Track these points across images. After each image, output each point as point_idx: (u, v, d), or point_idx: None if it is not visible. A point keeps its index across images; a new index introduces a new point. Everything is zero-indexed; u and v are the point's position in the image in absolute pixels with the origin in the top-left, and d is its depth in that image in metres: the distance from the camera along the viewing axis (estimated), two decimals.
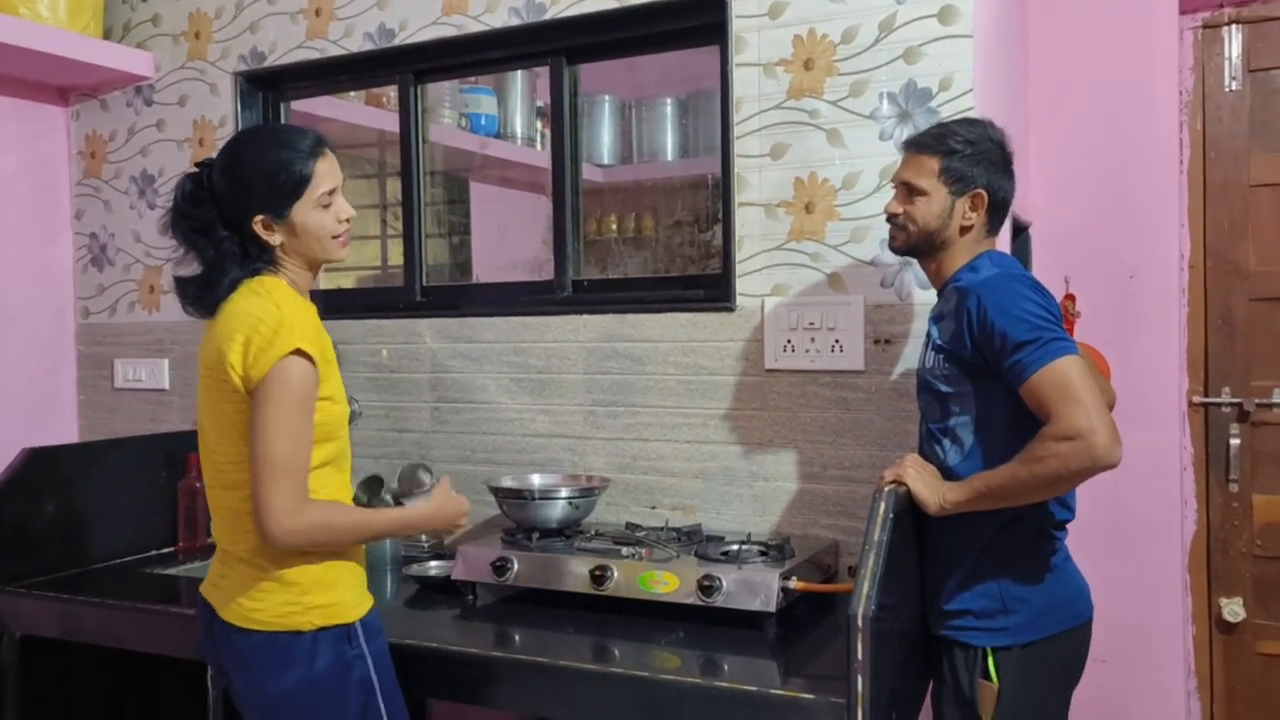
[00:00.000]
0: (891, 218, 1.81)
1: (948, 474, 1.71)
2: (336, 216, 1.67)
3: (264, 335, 1.54)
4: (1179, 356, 2.56)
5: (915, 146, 1.79)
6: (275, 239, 1.63)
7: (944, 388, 1.73)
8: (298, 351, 1.54)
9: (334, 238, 1.67)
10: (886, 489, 1.65)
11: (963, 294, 1.70)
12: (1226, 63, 2.53)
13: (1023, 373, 1.58)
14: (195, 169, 1.69)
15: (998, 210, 1.78)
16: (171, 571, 2.50)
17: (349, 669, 1.63)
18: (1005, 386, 1.63)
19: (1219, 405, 2.55)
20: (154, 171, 3.02)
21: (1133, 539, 2.52)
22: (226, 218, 1.63)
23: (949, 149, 1.74)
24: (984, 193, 1.75)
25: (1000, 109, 2.29)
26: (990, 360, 1.64)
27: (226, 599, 1.65)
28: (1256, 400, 2.51)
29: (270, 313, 1.57)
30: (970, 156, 1.74)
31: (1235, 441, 2.52)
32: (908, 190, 1.77)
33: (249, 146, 1.67)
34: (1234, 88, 2.53)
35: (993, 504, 1.64)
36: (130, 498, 2.60)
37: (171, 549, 2.67)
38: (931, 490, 1.68)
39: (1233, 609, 2.54)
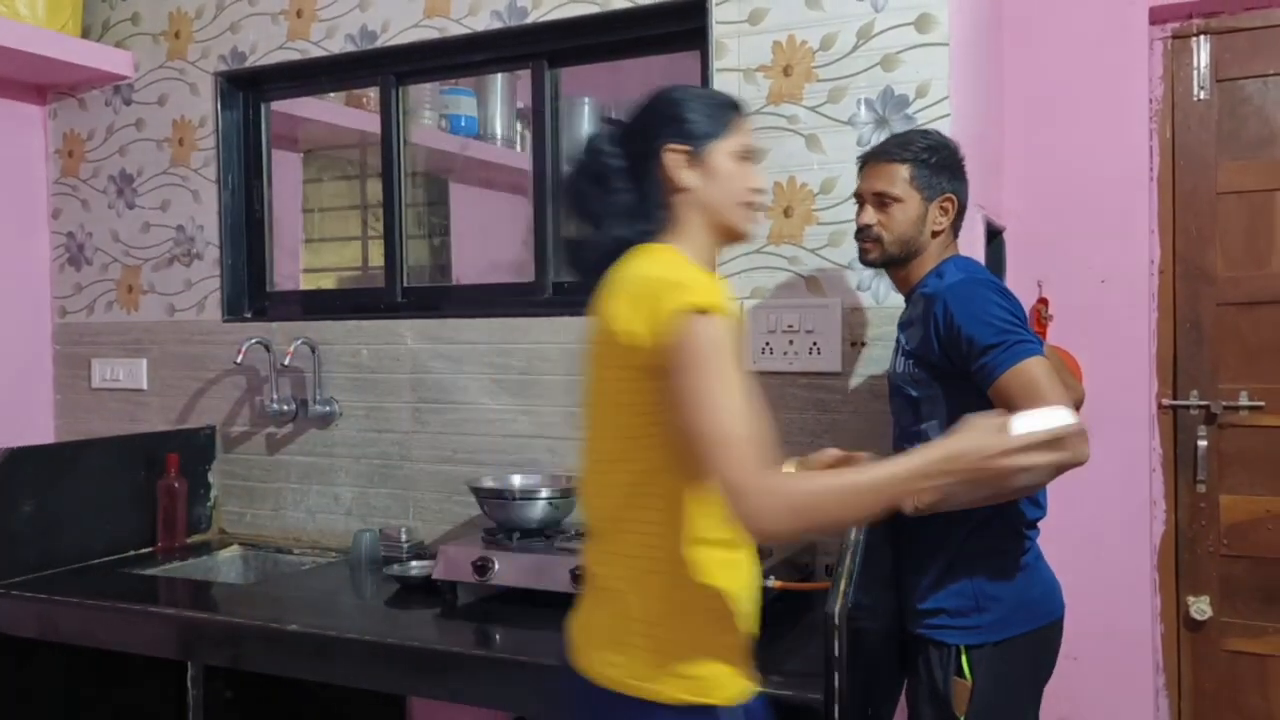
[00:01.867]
0: (864, 230, 1.81)
1: None
2: (748, 182, 1.42)
3: (663, 292, 1.25)
4: (1149, 360, 2.61)
5: (880, 157, 1.80)
6: (685, 178, 1.38)
7: (914, 392, 1.76)
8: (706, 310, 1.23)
9: (744, 204, 1.41)
10: None
11: (929, 300, 1.73)
12: (1195, 72, 2.58)
13: (990, 375, 1.62)
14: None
15: (961, 213, 1.83)
16: (150, 572, 2.50)
17: None
18: (975, 389, 1.66)
19: (1187, 408, 2.60)
20: (132, 171, 3.01)
21: (1103, 539, 2.57)
22: (633, 155, 1.39)
23: (916, 156, 1.77)
24: (954, 197, 1.79)
25: (975, 116, 2.33)
26: (958, 364, 1.67)
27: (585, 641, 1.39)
28: (1224, 403, 2.56)
29: (668, 271, 1.30)
30: (935, 164, 1.78)
31: (1203, 443, 2.57)
32: (880, 200, 1.78)
33: (670, 86, 1.45)
34: (1202, 97, 2.58)
35: (967, 503, 1.66)
36: (108, 498, 2.59)
37: (150, 549, 2.66)
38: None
39: (1200, 607, 2.59)
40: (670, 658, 1.31)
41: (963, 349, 1.65)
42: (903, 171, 1.77)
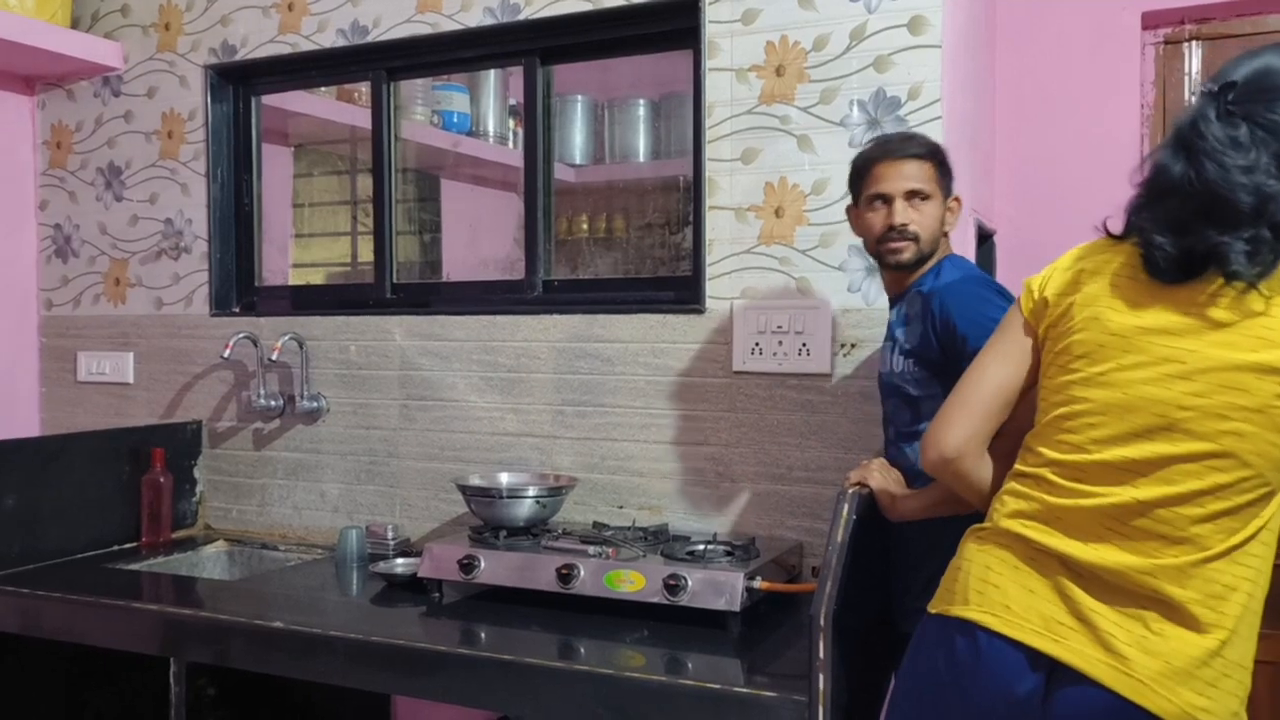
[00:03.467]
0: (900, 229, 1.75)
1: (917, 477, 1.73)
2: None
3: None
4: None
5: (903, 153, 1.77)
6: None
7: (914, 391, 1.75)
8: None
9: None
10: (850, 491, 1.68)
11: (927, 297, 1.73)
12: (1187, 78, 2.58)
13: None
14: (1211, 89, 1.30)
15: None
16: (134, 567, 2.48)
17: None
18: None
19: None
20: (121, 163, 2.99)
21: None
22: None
23: (933, 154, 1.79)
24: (960, 198, 1.83)
25: (967, 118, 2.33)
26: (953, 361, 1.67)
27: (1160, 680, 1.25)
28: None
29: None
30: (944, 164, 1.81)
31: None
32: (912, 197, 1.76)
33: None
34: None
35: (950, 510, 1.64)
36: (93, 492, 2.58)
37: (134, 544, 2.65)
38: (891, 499, 1.71)
39: None
40: (1246, 698, 1.28)
41: (957, 347, 1.66)
42: (929, 169, 1.77)
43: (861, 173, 1.82)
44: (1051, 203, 2.63)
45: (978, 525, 1.44)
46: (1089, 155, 2.59)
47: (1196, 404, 1.24)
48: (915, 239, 1.76)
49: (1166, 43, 2.60)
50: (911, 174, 1.76)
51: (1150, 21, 2.57)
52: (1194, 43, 2.58)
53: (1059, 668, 1.28)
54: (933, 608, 1.43)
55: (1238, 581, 1.25)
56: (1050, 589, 1.31)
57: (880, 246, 1.79)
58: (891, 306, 1.88)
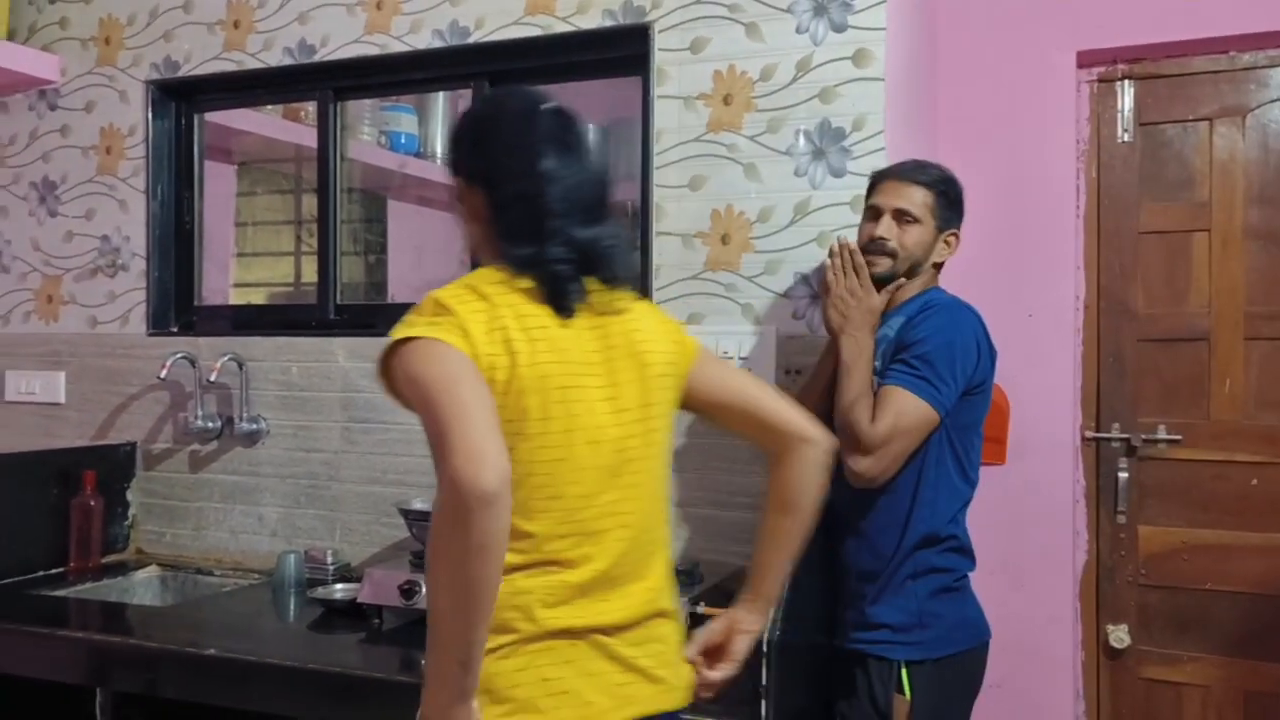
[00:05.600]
0: (878, 241, 1.83)
1: (878, 496, 1.77)
2: None
3: None
4: (1074, 393, 2.67)
5: (903, 177, 1.86)
6: None
7: None
8: None
9: None
10: None
11: (910, 320, 1.79)
12: (1119, 115, 2.67)
13: (892, 376, 1.72)
14: None
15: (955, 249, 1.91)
16: (60, 593, 2.41)
17: None
18: (951, 409, 1.72)
19: (1109, 440, 2.67)
20: (56, 178, 2.92)
21: (1028, 568, 2.61)
22: None
23: (935, 184, 1.84)
24: (958, 234, 1.88)
25: (910, 150, 2.37)
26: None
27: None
28: (1143, 436, 2.63)
29: None
30: (950, 197, 1.86)
31: (1124, 475, 2.64)
32: (900, 217, 1.82)
33: None
34: (1126, 139, 2.67)
35: (841, 380, 1.75)
36: (19, 515, 2.50)
37: (61, 569, 2.56)
38: (847, 333, 1.80)
39: (1119, 635, 2.65)
40: None
41: (908, 342, 1.73)
42: (923, 196, 1.83)
43: (871, 187, 1.92)
44: (990, 235, 2.68)
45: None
46: (1026, 189, 2.66)
47: None
48: (892, 255, 1.83)
49: (1100, 81, 2.69)
50: (906, 195, 1.83)
51: (1085, 60, 2.66)
52: (1126, 81, 2.66)
53: None
54: None
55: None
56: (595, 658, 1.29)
57: (864, 256, 1.86)
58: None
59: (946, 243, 1.87)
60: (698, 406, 1.42)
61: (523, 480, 1.21)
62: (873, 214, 1.87)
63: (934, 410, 1.69)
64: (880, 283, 1.85)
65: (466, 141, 1.35)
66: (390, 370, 1.24)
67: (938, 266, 1.89)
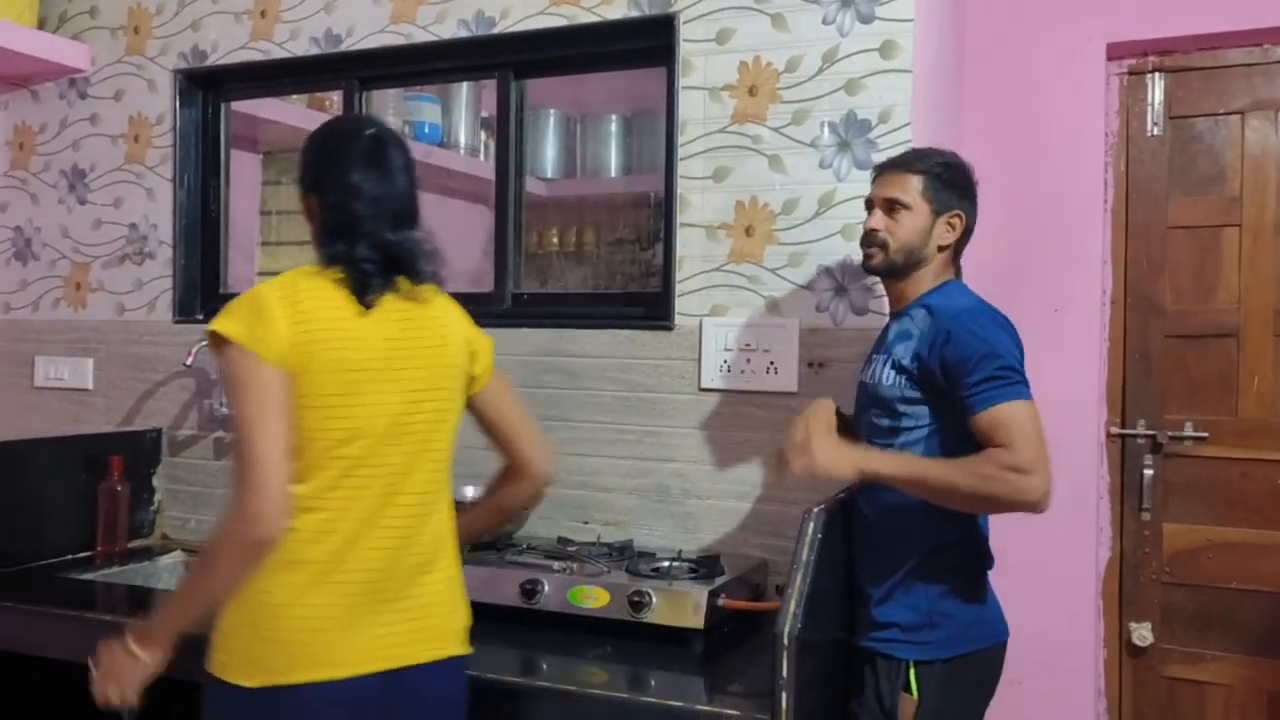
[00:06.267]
0: (870, 234, 1.81)
1: (884, 490, 1.71)
2: None
3: None
4: (1099, 389, 2.65)
5: (896, 166, 1.83)
6: None
7: (901, 407, 1.74)
8: None
9: None
10: (816, 510, 1.68)
11: (935, 315, 1.72)
12: (1149, 108, 2.64)
13: (984, 403, 1.61)
14: None
15: (966, 235, 1.84)
16: (87, 576, 2.43)
17: None
18: (959, 415, 1.65)
19: (1134, 437, 2.65)
20: (85, 166, 2.95)
21: (1051, 564, 2.60)
22: None
23: (929, 169, 1.79)
24: (962, 215, 1.81)
25: (936, 143, 2.35)
26: (951, 384, 1.66)
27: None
28: (1169, 433, 2.61)
29: None
30: (947, 179, 1.80)
31: (1149, 472, 2.62)
32: (890, 206, 1.79)
33: None
34: (1155, 133, 2.64)
35: (908, 489, 1.65)
36: (47, 500, 2.53)
37: (88, 553, 2.60)
38: (849, 461, 1.68)
39: (1141, 633, 2.63)
40: None
41: (962, 369, 1.64)
42: (915, 182, 1.79)
43: (871, 181, 1.89)
44: (1016, 229, 2.67)
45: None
46: (1054, 183, 2.64)
47: None
48: (883, 246, 1.80)
49: (1130, 73, 2.66)
50: (898, 184, 1.80)
51: (1115, 53, 2.63)
52: (1157, 74, 2.63)
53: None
54: None
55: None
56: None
57: (862, 250, 1.85)
58: (891, 319, 1.87)
59: (950, 225, 1.80)
60: (474, 409, 1.68)
61: (309, 445, 1.44)
62: (868, 207, 1.85)
63: (1029, 400, 1.63)
64: (877, 275, 1.85)
65: (307, 156, 1.61)
66: (216, 351, 1.46)
67: (944, 249, 1.81)
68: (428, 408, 1.55)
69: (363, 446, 1.48)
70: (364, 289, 1.51)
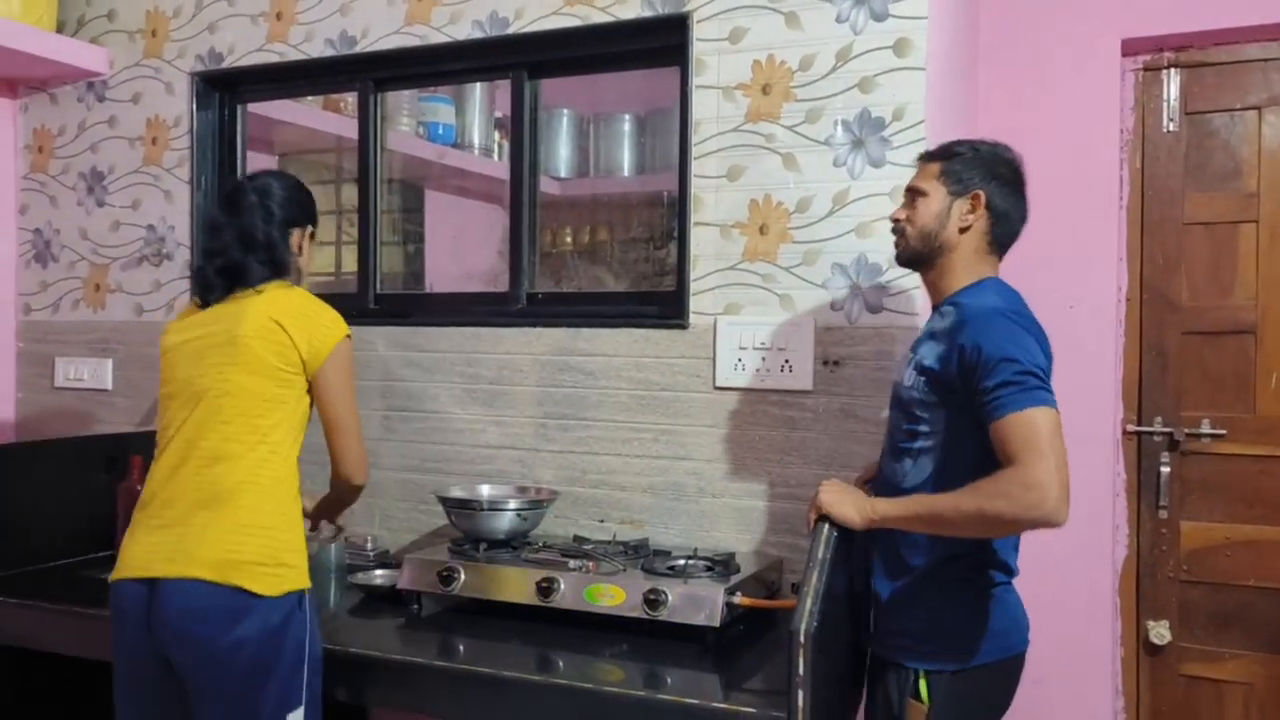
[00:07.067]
0: (893, 224, 1.81)
1: (900, 494, 1.70)
2: None
3: None
4: (1115, 386, 2.64)
5: (924, 157, 1.83)
6: None
7: (919, 410, 1.70)
8: None
9: None
10: (820, 525, 1.68)
11: (961, 316, 1.68)
12: (1165, 104, 2.63)
13: (998, 410, 1.55)
14: None
15: (999, 222, 1.77)
16: (106, 575, 2.45)
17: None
18: (977, 421, 1.60)
19: (1151, 434, 2.63)
20: (104, 169, 2.98)
21: (1067, 562, 2.59)
22: None
23: (951, 154, 1.78)
24: (981, 194, 1.74)
25: (950, 141, 2.35)
26: (971, 389, 1.61)
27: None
28: (1186, 430, 2.60)
29: None
30: (971, 161, 1.76)
31: (1165, 470, 2.61)
32: (911, 195, 1.79)
33: None
34: (1171, 129, 2.62)
35: (924, 528, 1.64)
36: (68, 499, 2.55)
37: (109, 552, 2.62)
38: (856, 508, 1.69)
39: (1159, 632, 2.62)
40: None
41: (981, 374, 1.59)
42: (934, 168, 1.78)
43: None
44: (1031, 225, 2.65)
45: None
46: (1069, 179, 2.63)
47: None
48: (903, 233, 1.79)
49: (1145, 69, 2.65)
50: (919, 174, 1.80)
51: (1130, 48, 2.62)
52: (1172, 70, 2.62)
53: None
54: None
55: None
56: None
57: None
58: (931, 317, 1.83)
59: (971, 205, 1.75)
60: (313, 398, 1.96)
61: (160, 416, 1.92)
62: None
63: (1053, 408, 1.57)
64: (904, 265, 1.84)
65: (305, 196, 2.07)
66: (341, 349, 1.94)
67: (965, 231, 1.75)
68: (211, 375, 1.88)
69: (171, 410, 1.91)
70: (201, 292, 1.97)
